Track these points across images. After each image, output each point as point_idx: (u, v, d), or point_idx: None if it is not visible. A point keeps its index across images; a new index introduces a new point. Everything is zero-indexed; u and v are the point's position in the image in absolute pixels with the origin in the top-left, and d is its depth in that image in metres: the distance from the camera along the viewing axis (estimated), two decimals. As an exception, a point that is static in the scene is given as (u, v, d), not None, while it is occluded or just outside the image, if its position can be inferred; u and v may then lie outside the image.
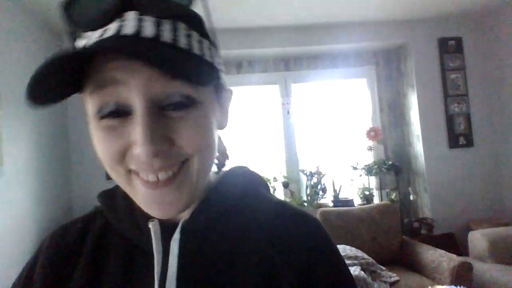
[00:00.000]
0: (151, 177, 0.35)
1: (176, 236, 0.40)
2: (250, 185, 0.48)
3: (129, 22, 0.33)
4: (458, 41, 3.01)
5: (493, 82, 2.99)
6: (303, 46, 2.89)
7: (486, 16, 2.96)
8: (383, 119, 3.17)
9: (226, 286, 0.39)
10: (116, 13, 0.34)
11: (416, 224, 2.81)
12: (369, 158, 3.05)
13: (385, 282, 2.09)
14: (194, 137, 0.35)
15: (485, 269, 2.20)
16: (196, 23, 0.38)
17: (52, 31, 2.50)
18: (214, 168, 0.51)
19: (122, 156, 0.35)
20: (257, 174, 0.50)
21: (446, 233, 2.81)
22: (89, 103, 0.35)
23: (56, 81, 0.32)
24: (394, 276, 2.16)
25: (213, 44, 0.40)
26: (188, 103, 0.35)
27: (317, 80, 3.13)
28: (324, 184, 2.83)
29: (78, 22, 0.35)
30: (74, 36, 0.37)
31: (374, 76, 3.18)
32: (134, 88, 0.32)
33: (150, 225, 0.40)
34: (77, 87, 0.36)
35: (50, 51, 2.47)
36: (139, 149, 0.32)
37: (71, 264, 0.43)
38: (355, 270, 1.98)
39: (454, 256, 2.15)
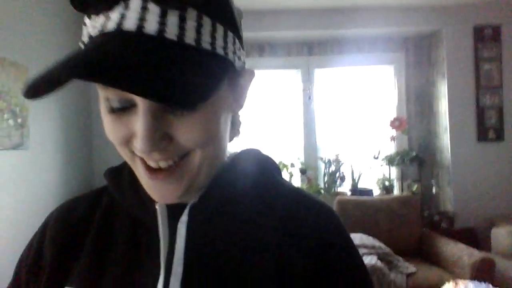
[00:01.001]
0: (152, 163, 0.35)
1: (184, 218, 0.39)
2: (263, 169, 0.46)
3: (132, 13, 0.31)
4: (496, 29, 2.84)
5: (531, 73, 2.82)
6: (327, 30, 2.81)
7: (529, 2, 2.77)
8: (409, 109, 3.07)
9: (234, 271, 0.38)
10: None
11: (436, 217, 2.74)
12: (391, 148, 2.98)
13: (401, 272, 2.06)
14: (195, 135, 0.34)
15: (507, 266, 2.14)
16: (209, 5, 0.34)
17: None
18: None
19: (127, 141, 0.35)
20: (270, 158, 0.48)
21: (467, 228, 2.74)
22: (98, 88, 0.35)
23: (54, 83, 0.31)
24: (411, 267, 2.13)
25: (231, 29, 0.36)
26: None
27: (341, 66, 3.05)
28: (342, 173, 2.79)
29: (80, 5, 0.33)
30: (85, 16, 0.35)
31: (403, 63, 3.07)
32: None
33: (157, 206, 0.40)
34: None
35: (75, 26, 2.50)
36: (138, 145, 0.32)
37: (78, 241, 0.43)
38: (371, 259, 1.96)
39: (476, 251, 2.10)
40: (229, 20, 0.36)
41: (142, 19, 0.31)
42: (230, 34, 0.36)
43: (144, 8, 0.31)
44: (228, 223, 0.40)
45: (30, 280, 0.44)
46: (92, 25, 0.33)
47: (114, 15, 0.31)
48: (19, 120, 1.85)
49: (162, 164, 0.35)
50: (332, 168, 2.79)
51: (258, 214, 0.41)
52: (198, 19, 0.32)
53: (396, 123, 2.82)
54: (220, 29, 0.34)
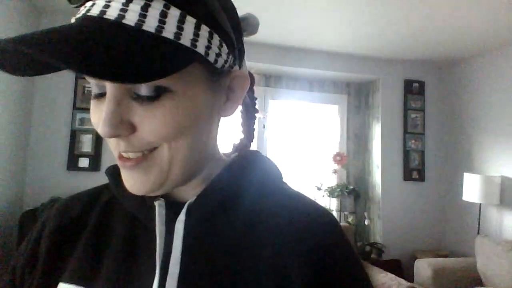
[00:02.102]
0: (124, 154, 0.36)
1: (182, 217, 0.39)
2: (263, 172, 0.45)
3: (101, 1, 0.32)
4: (421, 84, 3.33)
5: (447, 125, 3.32)
6: (283, 66, 3.01)
7: (447, 65, 3.33)
8: (348, 146, 3.36)
9: (233, 274, 0.37)
10: None
11: (368, 248, 2.96)
12: (332, 181, 3.20)
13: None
14: (157, 127, 0.33)
15: (427, 295, 2.38)
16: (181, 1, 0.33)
17: (32, 7, 2.36)
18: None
19: None
20: (272, 161, 0.47)
21: (394, 259, 3.00)
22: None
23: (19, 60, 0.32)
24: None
25: (207, 22, 0.34)
26: (158, 93, 0.33)
27: (293, 99, 3.25)
28: (288, 201, 2.90)
29: None
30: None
31: (345, 104, 3.39)
32: None
33: (156, 204, 0.40)
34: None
35: (31, 26, 2.32)
36: (99, 129, 0.33)
37: (74, 238, 0.43)
38: None
39: (403, 281, 2.30)
40: (204, 15, 0.34)
41: (107, 5, 0.31)
42: (204, 27, 0.34)
43: None
44: (226, 223, 0.40)
45: (25, 274, 0.43)
46: (78, 14, 0.34)
47: (89, 3, 0.33)
48: None
49: (131, 155, 0.35)
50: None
51: (257, 216, 0.40)
52: (164, 8, 0.32)
53: (338, 158, 3.06)
54: (190, 21, 0.33)
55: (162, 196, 0.40)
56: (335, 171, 3.09)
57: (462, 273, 2.54)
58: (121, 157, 0.36)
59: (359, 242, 3.01)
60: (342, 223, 2.94)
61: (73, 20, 0.33)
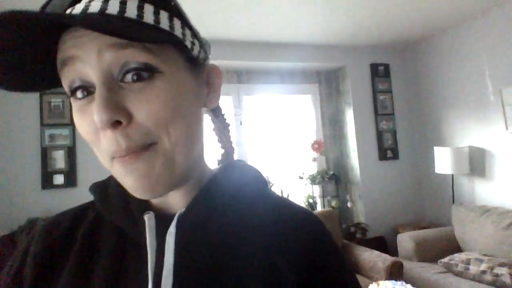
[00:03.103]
0: (122, 152, 0.35)
1: (172, 230, 0.38)
2: (250, 179, 0.46)
3: (84, 1, 0.34)
4: (386, 66, 3.45)
5: (414, 103, 3.47)
6: (254, 61, 3.03)
7: (409, 46, 3.46)
8: (325, 133, 3.43)
9: (225, 283, 0.37)
10: None
11: (352, 229, 3.07)
12: (313, 168, 3.27)
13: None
14: (155, 109, 0.33)
15: (412, 267, 2.51)
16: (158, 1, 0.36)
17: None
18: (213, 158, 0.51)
19: (97, 136, 0.35)
20: (256, 169, 0.49)
21: (378, 236, 3.13)
22: (63, 84, 0.36)
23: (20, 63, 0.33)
24: (338, 277, 2.33)
25: (178, 18, 0.38)
26: (147, 72, 0.33)
27: (267, 93, 3.28)
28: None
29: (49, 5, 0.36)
30: None
31: (317, 93, 3.46)
32: (88, 63, 0.33)
33: (145, 217, 0.39)
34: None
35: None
36: (95, 118, 0.32)
37: (61, 258, 0.42)
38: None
39: (388, 256, 2.41)
40: (175, 12, 0.37)
41: (89, 1, 0.34)
42: (176, 20, 0.37)
43: None
44: (217, 233, 0.40)
45: None
46: None
47: (69, 10, 0.35)
48: None
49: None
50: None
51: (246, 224, 0.41)
52: (140, 3, 0.35)
53: (316, 146, 3.13)
54: (164, 14, 0.36)
55: (150, 209, 0.41)
56: (314, 159, 3.16)
57: (442, 242, 2.68)
58: (121, 158, 0.34)
59: (344, 225, 3.11)
60: (326, 208, 3.03)
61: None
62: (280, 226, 0.42)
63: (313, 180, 3.06)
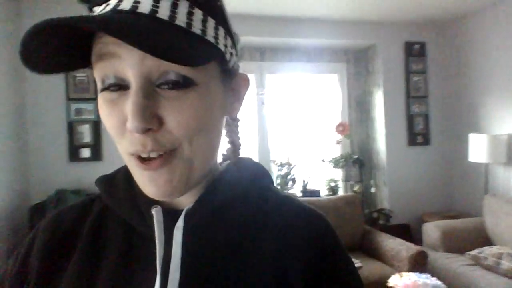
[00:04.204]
0: (145, 154, 0.35)
1: (180, 224, 0.39)
2: (256, 176, 0.47)
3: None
4: (422, 45, 3.22)
5: (451, 86, 3.24)
6: (279, 37, 2.91)
7: (449, 24, 3.19)
8: (351, 115, 3.30)
9: (232, 277, 0.38)
10: None
11: (375, 215, 2.98)
12: (337, 152, 3.17)
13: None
14: (186, 119, 0.34)
15: (437, 257, 2.41)
16: (203, 2, 0.36)
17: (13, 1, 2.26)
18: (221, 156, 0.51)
19: (122, 132, 0.35)
20: (261, 166, 0.49)
21: (402, 224, 3.03)
22: (95, 75, 0.36)
23: (48, 49, 0.33)
24: (357, 263, 2.28)
25: (223, 25, 0.38)
26: (184, 84, 0.34)
27: (291, 72, 3.17)
28: (294, 175, 2.89)
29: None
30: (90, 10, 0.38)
31: (345, 72, 3.30)
32: (128, 63, 0.33)
33: (153, 211, 0.39)
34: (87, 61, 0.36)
35: (8, 16, 2.23)
36: (129, 124, 0.33)
37: (67, 252, 0.42)
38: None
39: (412, 245, 2.32)
40: (220, 18, 0.38)
41: (136, 2, 0.33)
42: (221, 29, 0.37)
43: None
44: (224, 229, 0.41)
45: None
46: (93, 12, 0.35)
47: (113, 1, 0.34)
48: None
49: (154, 155, 0.35)
50: (284, 170, 2.87)
51: (252, 220, 0.42)
52: (190, 8, 0.34)
53: (340, 128, 3.02)
54: (211, 22, 0.36)
55: (157, 204, 0.40)
56: (338, 142, 3.06)
57: (470, 233, 2.55)
58: (143, 161, 0.35)
59: (366, 210, 3.02)
60: (349, 193, 2.95)
61: (96, 12, 0.34)
62: (286, 227, 0.42)
63: (336, 163, 2.97)
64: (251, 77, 3.04)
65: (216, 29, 0.36)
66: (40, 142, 2.48)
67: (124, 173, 0.45)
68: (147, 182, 0.36)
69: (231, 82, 0.42)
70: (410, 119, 3.19)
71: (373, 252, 2.54)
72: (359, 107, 3.34)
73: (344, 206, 2.68)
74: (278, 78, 3.15)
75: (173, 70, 0.33)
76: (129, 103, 0.33)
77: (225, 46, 0.38)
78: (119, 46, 0.32)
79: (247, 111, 3.05)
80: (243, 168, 0.46)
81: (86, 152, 2.56)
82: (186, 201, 0.41)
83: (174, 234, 0.38)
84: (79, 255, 0.41)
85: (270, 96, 3.09)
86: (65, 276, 0.40)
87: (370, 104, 3.31)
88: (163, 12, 0.33)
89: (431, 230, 2.60)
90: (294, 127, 3.16)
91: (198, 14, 0.35)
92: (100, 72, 0.34)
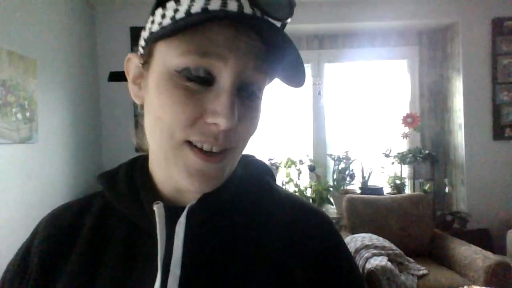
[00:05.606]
0: (206, 146, 0.36)
1: (182, 220, 0.39)
2: (259, 174, 0.48)
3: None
4: (516, 21, 2.72)
5: (552, 69, 2.69)
6: (338, 23, 2.73)
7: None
8: (422, 105, 2.98)
9: (233, 274, 0.38)
10: None
11: (449, 218, 2.67)
12: (403, 146, 2.90)
13: (412, 274, 2.01)
14: (251, 126, 0.38)
15: (523, 271, 2.06)
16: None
17: (86, 0, 2.51)
18: None
19: (193, 122, 0.35)
20: (264, 163, 0.50)
21: (481, 229, 2.65)
22: (173, 59, 0.35)
23: None
24: (422, 269, 2.07)
25: None
26: (258, 96, 0.38)
27: (352, 60, 2.97)
28: (352, 170, 2.73)
29: None
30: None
31: (417, 57, 2.97)
32: (230, 64, 0.34)
33: (155, 207, 0.39)
34: None
35: (83, 19, 2.49)
36: (220, 120, 0.34)
37: (67, 248, 0.42)
38: (381, 261, 1.91)
39: (490, 254, 2.02)
40: None
41: (241, 5, 0.35)
42: None
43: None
44: (226, 226, 0.41)
45: None
46: (174, 9, 0.36)
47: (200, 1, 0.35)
48: (28, 114, 1.85)
49: (215, 149, 0.36)
50: (342, 165, 2.73)
51: (255, 218, 0.42)
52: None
53: (409, 120, 2.74)
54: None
55: (160, 200, 0.41)
56: (405, 135, 2.78)
57: None
58: (204, 153, 0.36)
59: (439, 212, 2.72)
60: (416, 192, 2.68)
61: (181, 13, 0.35)
62: (288, 225, 0.42)
63: (402, 159, 2.71)
64: (307, 67, 2.93)
65: None
66: (113, 131, 2.71)
67: (125, 169, 0.46)
68: (198, 174, 0.37)
69: None
70: (497, 108, 2.74)
71: (443, 259, 2.27)
72: (432, 96, 2.98)
73: (410, 207, 2.45)
74: (337, 66, 2.97)
75: (257, 83, 0.37)
76: (222, 100, 0.34)
77: None
78: (231, 51, 0.34)
79: (302, 102, 2.96)
80: (247, 166, 0.47)
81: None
82: (188, 198, 0.41)
83: (176, 230, 0.38)
84: (79, 252, 0.42)
85: (328, 86, 2.94)
86: (65, 272, 0.41)
87: (447, 92, 2.93)
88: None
89: (518, 239, 2.22)
90: (355, 119, 2.97)
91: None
92: (192, 63, 0.35)
